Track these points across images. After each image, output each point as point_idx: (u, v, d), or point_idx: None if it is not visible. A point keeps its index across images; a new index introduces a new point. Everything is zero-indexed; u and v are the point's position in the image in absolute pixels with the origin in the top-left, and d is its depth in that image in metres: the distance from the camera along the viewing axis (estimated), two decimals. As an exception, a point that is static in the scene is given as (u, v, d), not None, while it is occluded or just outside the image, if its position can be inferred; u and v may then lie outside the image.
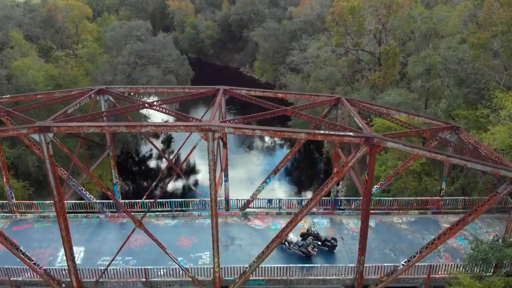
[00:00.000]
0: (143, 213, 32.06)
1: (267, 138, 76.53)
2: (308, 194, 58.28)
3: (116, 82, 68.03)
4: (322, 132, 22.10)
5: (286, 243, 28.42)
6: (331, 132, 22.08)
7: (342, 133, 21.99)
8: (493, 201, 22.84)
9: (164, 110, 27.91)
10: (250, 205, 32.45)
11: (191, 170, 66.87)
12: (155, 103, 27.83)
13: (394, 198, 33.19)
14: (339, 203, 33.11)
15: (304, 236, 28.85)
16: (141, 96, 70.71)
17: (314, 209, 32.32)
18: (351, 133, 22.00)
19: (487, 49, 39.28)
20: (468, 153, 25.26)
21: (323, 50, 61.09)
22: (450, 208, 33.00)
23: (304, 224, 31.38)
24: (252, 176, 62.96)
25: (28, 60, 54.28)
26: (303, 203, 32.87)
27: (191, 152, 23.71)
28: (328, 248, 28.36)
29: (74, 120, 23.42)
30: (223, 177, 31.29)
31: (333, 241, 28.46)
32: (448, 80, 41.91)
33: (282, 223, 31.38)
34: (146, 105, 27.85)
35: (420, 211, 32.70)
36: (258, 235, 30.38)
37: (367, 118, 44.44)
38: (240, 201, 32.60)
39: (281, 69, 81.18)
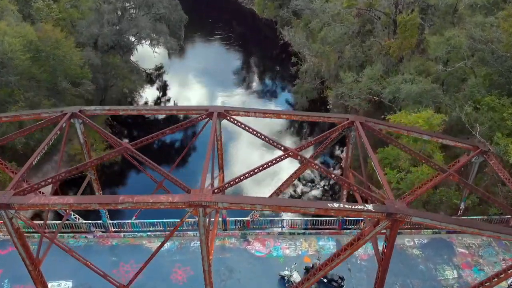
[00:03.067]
0: (134, 233, 30.08)
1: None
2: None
3: (103, 35, 62.20)
4: (335, 206, 18.71)
5: (290, 281, 26.30)
6: (346, 206, 18.70)
7: (360, 207, 18.63)
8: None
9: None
10: (249, 225, 29.94)
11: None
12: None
13: (406, 218, 30.42)
14: (346, 222, 30.52)
15: (308, 271, 26.66)
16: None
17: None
18: (370, 207, 18.66)
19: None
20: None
21: (331, 4, 54.53)
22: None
23: (308, 249, 29.20)
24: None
25: (3, 24, 48.43)
26: (308, 224, 30.83)
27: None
28: (334, 288, 26.35)
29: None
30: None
31: (340, 280, 26.30)
32: (472, 63, 37.15)
33: (284, 247, 29.12)
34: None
35: (434, 230, 30.24)
36: (259, 264, 28.16)
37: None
38: (239, 221, 30.01)
39: (284, 13, 74.33)
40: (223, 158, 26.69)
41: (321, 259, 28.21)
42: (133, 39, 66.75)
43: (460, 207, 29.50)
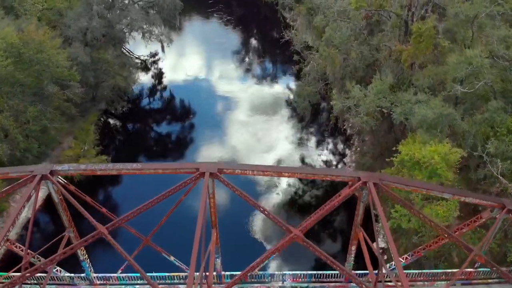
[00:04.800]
0: (120, 286, 27.72)
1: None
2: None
3: (92, 28, 57.97)
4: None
5: None
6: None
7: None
8: None
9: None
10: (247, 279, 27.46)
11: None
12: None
13: (420, 271, 27.90)
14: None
15: None
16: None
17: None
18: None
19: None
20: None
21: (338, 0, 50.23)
22: (482, 278, 28.04)
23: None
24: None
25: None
26: (312, 278, 28.29)
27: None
28: None
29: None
30: (215, 253, 25.72)
31: None
32: (493, 81, 33.67)
33: (286, 306, 26.80)
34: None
35: (448, 281, 27.78)
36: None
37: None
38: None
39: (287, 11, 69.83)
40: (216, 216, 23.83)
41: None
42: (125, 30, 62.39)
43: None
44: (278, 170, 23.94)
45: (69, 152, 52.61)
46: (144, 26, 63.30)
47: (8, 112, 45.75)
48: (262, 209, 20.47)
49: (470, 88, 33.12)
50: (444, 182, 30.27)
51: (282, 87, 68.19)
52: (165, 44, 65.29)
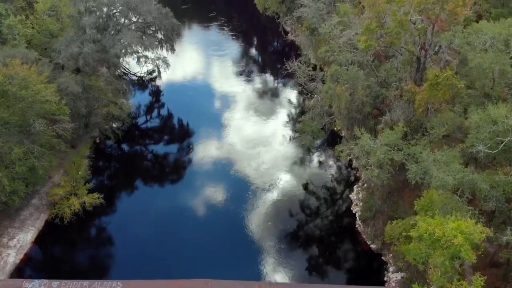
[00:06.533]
0: None
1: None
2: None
3: (84, 54, 54.76)
4: None
5: None
6: None
7: None
8: None
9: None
10: None
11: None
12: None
13: None
14: None
15: None
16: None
17: None
18: None
19: None
20: None
21: (344, 32, 46.88)
22: None
23: None
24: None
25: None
26: None
27: None
28: None
29: None
30: None
31: None
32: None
33: None
34: None
35: None
36: None
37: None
38: None
39: (287, 20, 66.56)
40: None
41: None
42: (119, 55, 59.07)
43: None
44: None
45: (59, 190, 49.69)
46: (140, 50, 60.17)
47: (-9, 155, 42.86)
48: None
49: (493, 148, 29.99)
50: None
51: (285, 121, 65.19)
52: (161, 69, 61.97)
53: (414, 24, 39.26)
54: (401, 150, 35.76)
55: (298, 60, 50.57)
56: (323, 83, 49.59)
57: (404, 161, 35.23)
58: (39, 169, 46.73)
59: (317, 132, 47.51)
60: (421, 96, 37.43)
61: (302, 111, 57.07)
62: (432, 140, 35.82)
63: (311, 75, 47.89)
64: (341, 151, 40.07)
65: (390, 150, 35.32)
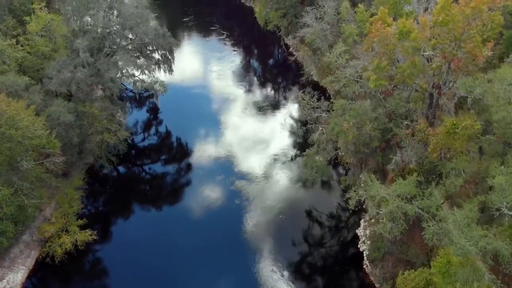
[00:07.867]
0: None
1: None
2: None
3: (76, 79, 52.13)
4: None
5: None
6: None
7: None
8: None
9: None
10: None
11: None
12: None
13: None
14: None
15: None
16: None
17: None
18: None
19: None
20: None
21: (351, 62, 44.15)
22: None
23: None
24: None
25: None
26: None
27: None
28: None
29: None
30: None
31: None
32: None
33: None
34: None
35: None
36: None
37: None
38: None
39: (290, 39, 64.03)
40: None
41: None
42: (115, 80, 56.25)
43: None
44: None
45: (50, 227, 47.13)
46: (136, 74, 57.53)
47: (-25, 198, 40.30)
48: None
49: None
50: None
51: (288, 144, 62.68)
52: (158, 94, 59.33)
53: (428, 61, 36.55)
54: (415, 199, 33.16)
55: (301, 91, 47.73)
56: (328, 112, 47.11)
57: (418, 215, 32.65)
58: (28, 207, 44.24)
59: (322, 169, 44.77)
60: (436, 141, 34.74)
61: (305, 142, 53.92)
62: (448, 190, 33.20)
63: (316, 106, 45.07)
64: (349, 198, 37.42)
65: (403, 203, 32.68)
